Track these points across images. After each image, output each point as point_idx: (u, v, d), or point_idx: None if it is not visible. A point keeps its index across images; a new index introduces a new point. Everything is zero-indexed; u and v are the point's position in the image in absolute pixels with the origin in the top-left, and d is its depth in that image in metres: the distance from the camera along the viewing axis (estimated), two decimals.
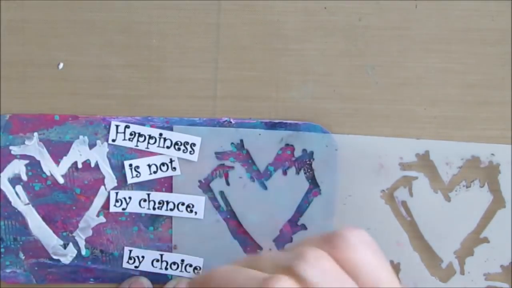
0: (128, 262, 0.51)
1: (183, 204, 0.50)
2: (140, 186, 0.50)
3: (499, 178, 0.50)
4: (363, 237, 0.38)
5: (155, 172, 0.49)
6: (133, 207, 0.50)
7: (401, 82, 0.49)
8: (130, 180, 0.50)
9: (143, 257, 0.51)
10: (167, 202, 0.50)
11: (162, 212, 0.50)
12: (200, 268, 0.50)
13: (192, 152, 0.49)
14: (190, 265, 0.51)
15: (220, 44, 0.49)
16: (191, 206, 0.49)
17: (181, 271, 0.51)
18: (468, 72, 0.49)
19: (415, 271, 0.51)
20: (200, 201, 0.50)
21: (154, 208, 0.50)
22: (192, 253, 0.50)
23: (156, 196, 0.50)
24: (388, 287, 0.37)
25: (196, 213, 0.50)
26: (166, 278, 0.51)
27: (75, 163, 0.49)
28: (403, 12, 0.49)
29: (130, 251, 0.51)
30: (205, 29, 0.49)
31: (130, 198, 0.50)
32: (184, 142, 0.49)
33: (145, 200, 0.50)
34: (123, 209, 0.50)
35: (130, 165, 0.49)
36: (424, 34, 0.49)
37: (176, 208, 0.50)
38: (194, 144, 0.49)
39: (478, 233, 0.51)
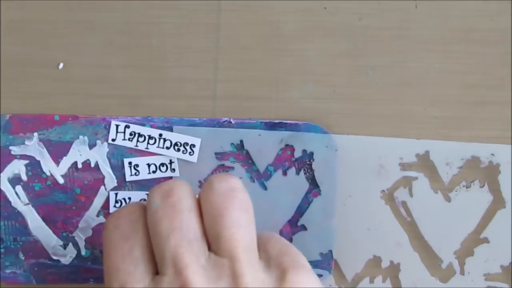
0: None
1: None
2: (140, 186, 0.50)
3: (499, 178, 0.50)
4: (228, 184, 0.40)
5: (154, 172, 0.49)
6: None
7: (401, 82, 0.49)
8: (128, 178, 0.50)
9: None
10: None
11: None
12: None
13: (191, 153, 0.49)
14: None
15: (220, 44, 0.49)
16: None
17: None
18: (468, 72, 0.49)
19: (415, 271, 0.51)
20: None
21: None
22: None
23: None
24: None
25: None
26: None
27: (75, 163, 0.49)
28: (403, 12, 0.49)
29: None
30: (205, 29, 0.49)
31: (129, 198, 0.50)
32: (184, 143, 0.49)
33: (144, 200, 0.50)
34: None
35: (130, 163, 0.49)
36: (424, 34, 0.49)
37: None
38: (194, 145, 0.49)
39: (478, 234, 0.51)
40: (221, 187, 0.40)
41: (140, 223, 0.40)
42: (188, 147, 0.49)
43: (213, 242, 0.39)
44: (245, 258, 0.38)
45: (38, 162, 0.49)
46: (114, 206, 0.50)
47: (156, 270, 0.39)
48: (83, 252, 0.51)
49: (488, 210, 0.50)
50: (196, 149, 0.49)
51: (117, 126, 0.49)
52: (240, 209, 0.39)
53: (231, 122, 0.49)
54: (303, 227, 0.50)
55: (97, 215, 0.50)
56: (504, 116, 0.49)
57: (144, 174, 0.49)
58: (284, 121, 0.49)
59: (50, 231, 0.50)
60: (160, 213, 0.39)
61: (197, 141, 0.49)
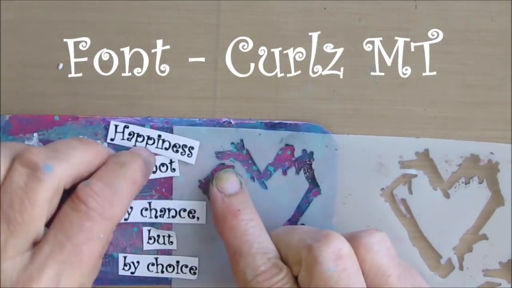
0: (123, 268, 0.51)
1: (184, 210, 0.50)
2: None
3: (498, 177, 0.50)
4: (381, 240, 0.42)
5: (154, 172, 0.49)
6: (135, 217, 0.50)
7: (401, 82, 0.49)
8: None
9: (138, 262, 0.51)
10: (169, 210, 0.50)
11: (165, 220, 0.50)
12: (196, 268, 0.51)
13: (190, 155, 0.49)
14: (186, 266, 0.51)
15: (220, 44, 0.49)
16: (193, 212, 0.49)
17: (177, 272, 0.51)
18: (468, 72, 0.49)
19: (414, 267, 0.50)
20: (201, 206, 0.50)
21: (156, 217, 0.50)
22: (192, 254, 0.50)
23: (157, 204, 0.50)
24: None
25: (198, 218, 0.50)
26: (167, 281, 0.51)
27: None
28: (403, 12, 0.49)
29: (125, 257, 0.51)
30: (205, 29, 0.49)
31: (131, 208, 0.50)
32: (183, 145, 0.49)
33: (146, 209, 0.50)
34: (125, 219, 0.50)
35: None
36: (424, 34, 0.49)
37: (178, 215, 0.50)
38: (192, 147, 0.49)
39: (477, 230, 0.51)
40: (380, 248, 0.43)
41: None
42: (186, 149, 0.49)
43: None
44: None
45: None
46: None
47: None
48: None
49: (486, 207, 0.51)
50: (194, 151, 0.49)
51: (116, 126, 0.49)
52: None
53: (231, 122, 0.49)
54: None
55: None
56: (504, 116, 0.49)
57: None
58: (284, 121, 0.49)
59: None
60: (335, 279, 0.41)
61: (195, 144, 0.49)
